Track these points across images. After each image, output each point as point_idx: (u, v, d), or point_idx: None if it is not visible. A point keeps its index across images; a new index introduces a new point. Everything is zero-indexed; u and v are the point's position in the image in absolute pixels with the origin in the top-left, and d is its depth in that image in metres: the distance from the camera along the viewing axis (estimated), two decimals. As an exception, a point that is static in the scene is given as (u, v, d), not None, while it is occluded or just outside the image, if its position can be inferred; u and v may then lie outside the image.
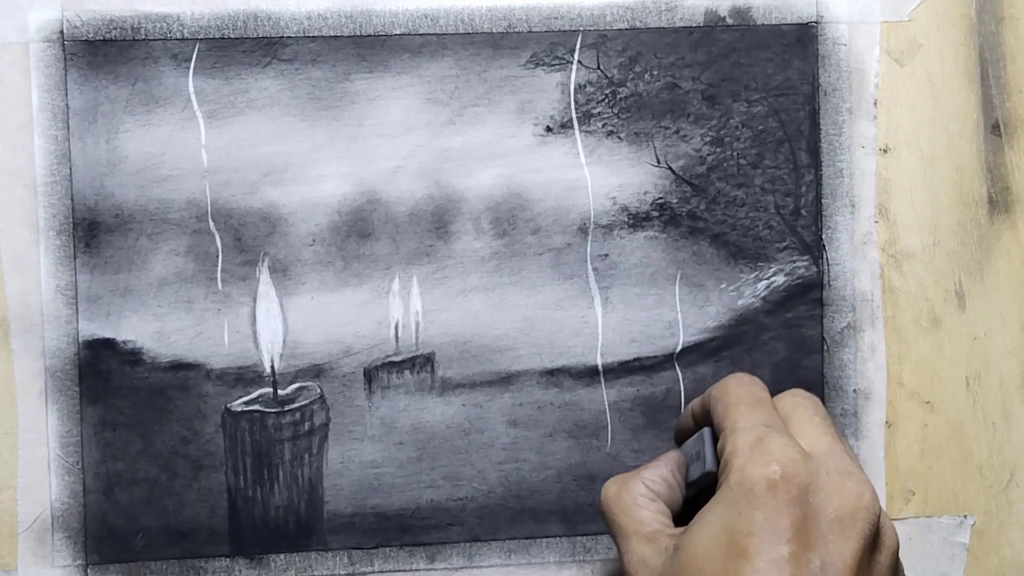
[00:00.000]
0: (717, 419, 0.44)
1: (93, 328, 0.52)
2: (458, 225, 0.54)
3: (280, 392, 0.53)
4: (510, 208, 0.54)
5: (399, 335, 0.54)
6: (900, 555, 0.56)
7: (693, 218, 0.54)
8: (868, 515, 0.40)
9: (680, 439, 0.49)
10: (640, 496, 0.44)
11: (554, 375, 0.54)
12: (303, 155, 0.53)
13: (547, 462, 0.54)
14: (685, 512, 0.45)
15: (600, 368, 0.54)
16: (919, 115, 0.55)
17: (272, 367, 0.53)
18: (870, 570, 0.40)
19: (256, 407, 0.53)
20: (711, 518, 0.40)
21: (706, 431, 0.45)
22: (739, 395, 0.44)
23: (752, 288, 0.55)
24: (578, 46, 0.54)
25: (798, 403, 0.45)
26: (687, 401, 0.55)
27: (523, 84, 0.54)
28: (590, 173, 0.54)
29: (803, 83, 0.55)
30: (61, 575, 0.52)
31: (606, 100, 0.54)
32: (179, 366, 0.53)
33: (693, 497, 0.46)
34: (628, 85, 0.54)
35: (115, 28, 0.52)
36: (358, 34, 0.53)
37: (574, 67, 0.54)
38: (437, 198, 0.54)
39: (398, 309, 0.54)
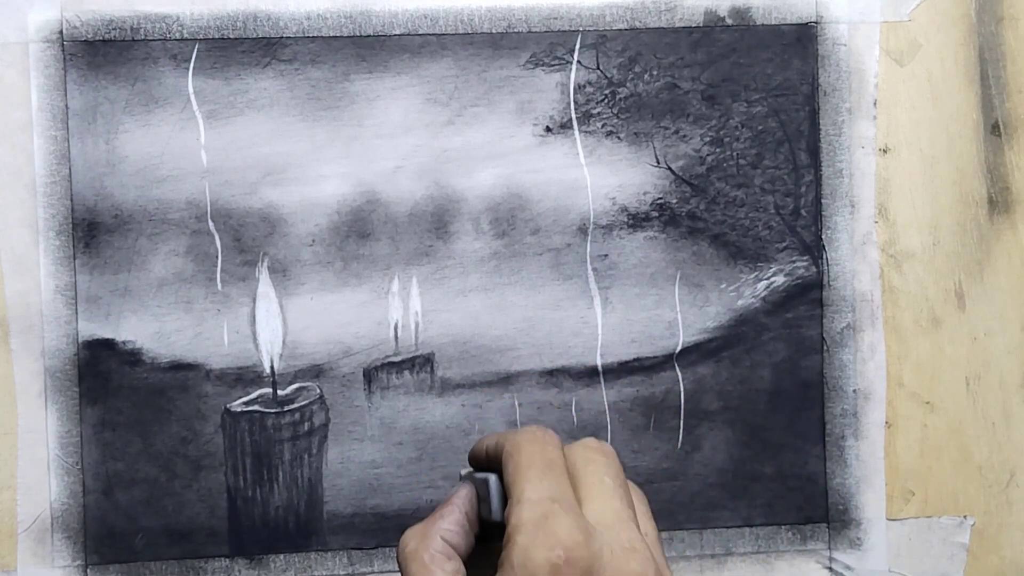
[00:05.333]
0: (507, 477, 0.43)
1: (93, 328, 0.52)
2: (458, 225, 0.54)
3: (280, 392, 0.53)
4: (510, 208, 0.54)
5: (399, 335, 0.54)
6: (900, 555, 0.56)
7: (693, 218, 0.54)
8: None
9: (474, 463, 0.48)
10: (437, 553, 0.44)
11: (554, 375, 0.54)
12: (302, 155, 0.53)
13: (547, 462, 0.54)
14: (478, 549, 0.45)
15: (600, 368, 0.54)
16: (919, 115, 0.55)
17: (272, 367, 0.53)
18: None
19: (256, 407, 0.53)
20: None
21: (492, 480, 0.45)
22: (530, 457, 0.43)
23: (752, 288, 0.55)
24: (577, 46, 0.54)
25: (589, 458, 0.44)
26: (687, 401, 0.55)
27: (522, 84, 0.54)
28: (590, 173, 0.54)
29: (803, 83, 0.55)
30: (61, 575, 0.52)
31: (605, 100, 0.54)
32: (179, 366, 0.53)
33: (484, 533, 0.46)
34: (627, 85, 0.54)
35: (114, 28, 0.52)
36: (357, 34, 0.53)
37: (573, 67, 0.54)
38: (437, 198, 0.54)
39: (397, 309, 0.54)
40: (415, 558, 0.43)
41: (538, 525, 0.40)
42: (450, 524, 0.44)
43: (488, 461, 0.46)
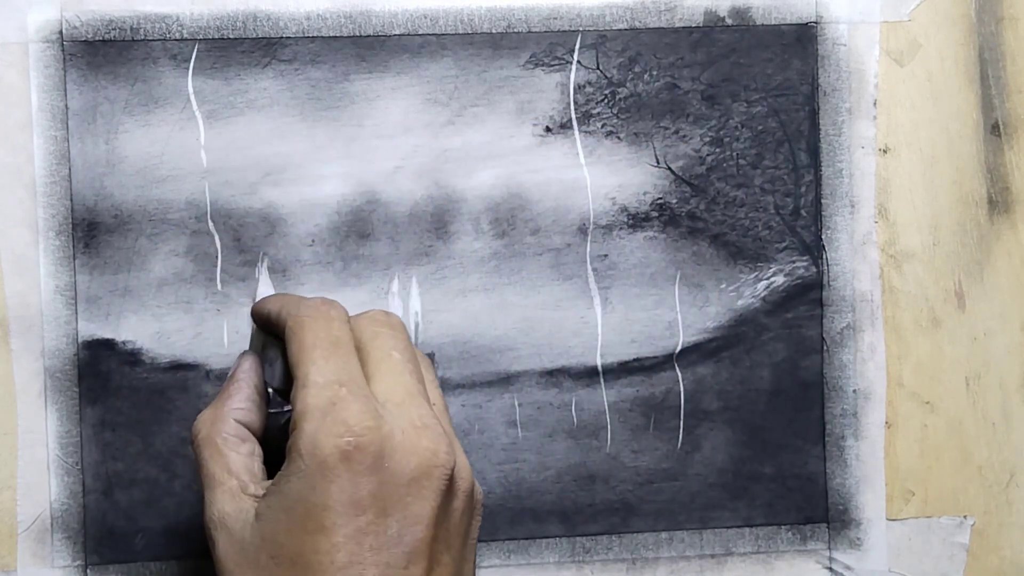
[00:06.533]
0: (291, 356, 0.41)
1: (92, 328, 0.52)
2: (457, 225, 0.54)
3: (279, 392, 0.53)
4: (510, 208, 0.54)
5: (398, 335, 0.54)
6: (900, 555, 0.56)
7: (693, 218, 0.54)
8: (442, 471, 0.39)
9: (257, 320, 0.46)
10: (230, 437, 0.42)
11: (553, 375, 0.54)
12: (302, 155, 0.53)
13: (546, 463, 0.54)
14: (272, 419, 0.45)
15: (600, 368, 0.54)
16: (919, 115, 0.55)
17: (271, 367, 0.53)
18: (447, 520, 0.40)
19: (255, 407, 0.53)
20: (287, 490, 0.39)
21: (275, 353, 0.44)
22: (315, 335, 0.41)
23: (752, 288, 0.55)
24: (577, 46, 0.54)
25: (376, 332, 0.42)
26: (687, 401, 0.55)
27: (522, 84, 0.54)
28: (589, 173, 0.54)
29: (803, 83, 0.55)
30: (61, 575, 0.52)
31: (605, 100, 0.54)
32: (178, 366, 0.53)
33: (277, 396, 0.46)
34: (627, 85, 0.54)
35: (114, 28, 0.52)
36: (357, 34, 0.53)
37: (573, 67, 0.54)
38: (436, 198, 0.54)
39: (397, 309, 0.54)
40: (208, 443, 0.42)
41: (325, 411, 0.39)
42: (240, 402, 0.43)
43: (270, 324, 0.44)
